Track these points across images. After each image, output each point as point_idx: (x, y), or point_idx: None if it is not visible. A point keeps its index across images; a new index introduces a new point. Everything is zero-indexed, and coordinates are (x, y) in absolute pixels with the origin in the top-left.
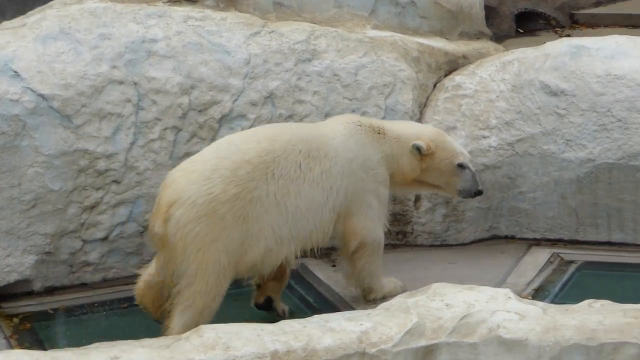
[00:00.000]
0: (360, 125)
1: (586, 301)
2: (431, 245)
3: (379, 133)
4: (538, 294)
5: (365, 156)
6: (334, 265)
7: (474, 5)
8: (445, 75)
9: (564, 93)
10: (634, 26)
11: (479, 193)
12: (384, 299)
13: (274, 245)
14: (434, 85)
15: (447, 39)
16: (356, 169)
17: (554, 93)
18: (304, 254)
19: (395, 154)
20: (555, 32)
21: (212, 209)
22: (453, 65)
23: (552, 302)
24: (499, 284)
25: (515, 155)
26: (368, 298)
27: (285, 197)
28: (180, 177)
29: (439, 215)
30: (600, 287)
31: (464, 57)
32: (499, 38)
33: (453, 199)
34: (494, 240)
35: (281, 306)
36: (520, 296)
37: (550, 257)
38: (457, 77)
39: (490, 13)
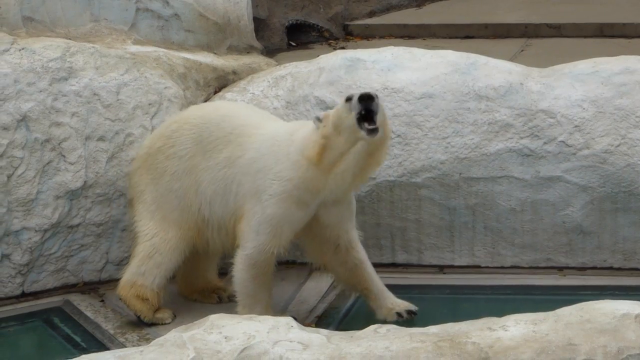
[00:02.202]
0: (287, 134)
1: (372, 326)
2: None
3: (291, 143)
4: (322, 321)
5: (266, 163)
6: (102, 300)
7: (242, 17)
8: (215, 92)
9: None
10: (410, 37)
11: (363, 96)
12: None
13: (200, 221)
14: None
15: (215, 53)
16: (254, 171)
17: (330, 109)
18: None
19: (299, 154)
20: (329, 44)
21: (144, 160)
22: (223, 81)
23: (337, 329)
24: (280, 313)
25: None
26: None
27: (197, 168)
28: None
29: None
30: None
31: (234, 72)
32: (270, 52)
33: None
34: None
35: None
36: (304, 324)
37: (333, 282)
38: (228, 94)
39: (260, 25)
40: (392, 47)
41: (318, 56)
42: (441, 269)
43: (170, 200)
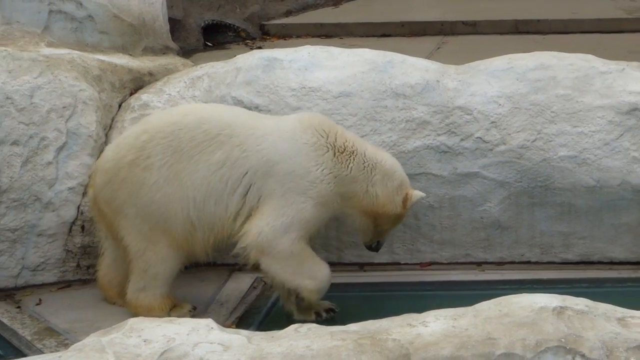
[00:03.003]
0: (314, 136)
1: (292, 326)
2: None
3: (341, 152)
4: (242, 322)
5: (297, 165)
6: (18, 307)
7: (157, 18)
8: (131, 94)
9: (259, 108)
10: (327, 36)
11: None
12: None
13: (188, 226)
14: (119, 106)
15: (130, 55)
16: (279, 173)
17: (248, 109)
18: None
19: (373, 182)
20: (246, 44)
21: (114, 174)
22: (139, 83)
23: (258, 329)
24: (200, 314)
25: None
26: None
27: (182, 173)
28: (108, 146)
29: None
30: None
31: (150, 74)
32: (186, 52)
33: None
34: (194, 267)
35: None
36: (224, 325)
37: (254, 282)
38: (144, 96)
39: (176, 26)
40: (309, 46)
41: (235, 56)
42: (361, 266)
43: (154, 211)
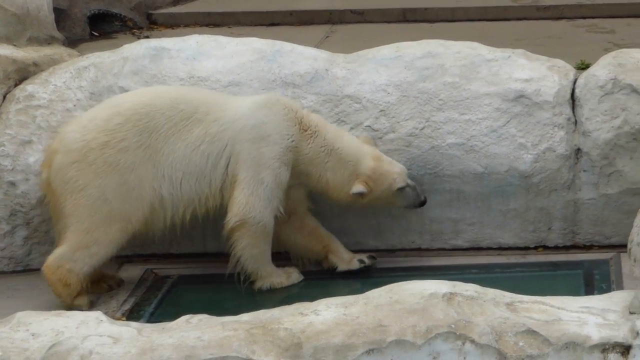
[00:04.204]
0: (285, 109)
1: (183, 317)
2: (13, 272)
3: (305, 130)
4: (133, 314)
5: (274, 130)
6: None
7: (41, 8)
8: (16, 85)
9: None
10: (215, 25)
11: (423, 203)
12: (271, 289)
13: (157, 204)
14: (4, 97)
15: (14, 45)
16: (256, 138)
17: None
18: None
19: (323, 169)
20: (133, 33)
21: (83, 155)
22: (23, 73)
23: (149, 321)
24: (90, 308)
25: None
26: (254, 286)
27: (158, 154)
28: (66, 127)
29: (19, 238)
30: (197, 302)
31: (35, 64)
32: (72, 42)
33: None
34: None
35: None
36: (114, 318)
37: (144, 273)
38: (29, 87)
39: (61, 16)
40: (197, 35)
41: (122, 46)
42: None
43: (122, 193)
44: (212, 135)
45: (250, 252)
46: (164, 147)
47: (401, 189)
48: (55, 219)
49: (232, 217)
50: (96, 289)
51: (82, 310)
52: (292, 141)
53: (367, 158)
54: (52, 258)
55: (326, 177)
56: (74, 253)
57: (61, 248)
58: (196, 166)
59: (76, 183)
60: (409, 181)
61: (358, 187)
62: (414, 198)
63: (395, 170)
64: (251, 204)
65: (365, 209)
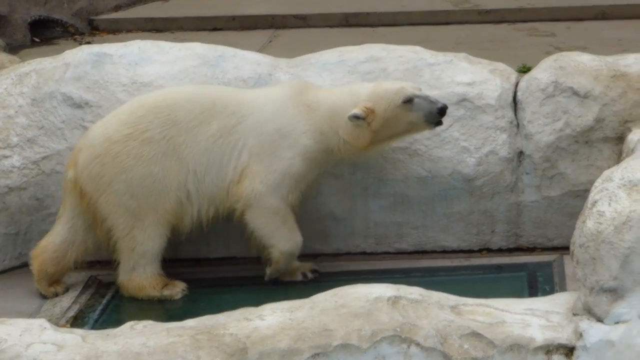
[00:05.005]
0: (298, 95)
1: (128, 323)
2: None
3: (309, 107)
4: (77, 321)
5: (285, 123)
6: None
7: None
8: None
9: (89, 104)
10: (158, 30)
11: (443, 109)
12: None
13: (184, 198)
14: None
15: None
16: (269, 131)
17: (78, 105)
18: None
19: (333, 130)
20: (75, 39)
21: (106, 148)
22: None
23: (93, 328)
24: (33, 315)
25: (42, 174)
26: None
27: (182, 147)
28: (92, 126)
29: None
30: (141, 308)
31: None
32: (13, 48)
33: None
34: (24, 268)
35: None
36: (58, 325)
37: (88, 280)
38: None
39: (1, 22)
40: (139, 40)
41: (63, 52)
42: (198, 262)
43: (148, 185)
44: (230, 128)
45: (265, 229)
46: (187, 139)
47: (408, 101)
48: (94, 221)
49: (237, 203)
50: (49, 291)
51: (174, 299)
52: (303, 125)
53: (364, 87)
54: (120, 277)
55: (340, 136)
56: (128, 262)
57: (120, 264)
58: (215, 160)
59: (102, 179)
60: (416, 91)
61: (354, 111)
62: (429, 106)
63: (394, 86)
64: (256, 191)
65: (389, 143)
